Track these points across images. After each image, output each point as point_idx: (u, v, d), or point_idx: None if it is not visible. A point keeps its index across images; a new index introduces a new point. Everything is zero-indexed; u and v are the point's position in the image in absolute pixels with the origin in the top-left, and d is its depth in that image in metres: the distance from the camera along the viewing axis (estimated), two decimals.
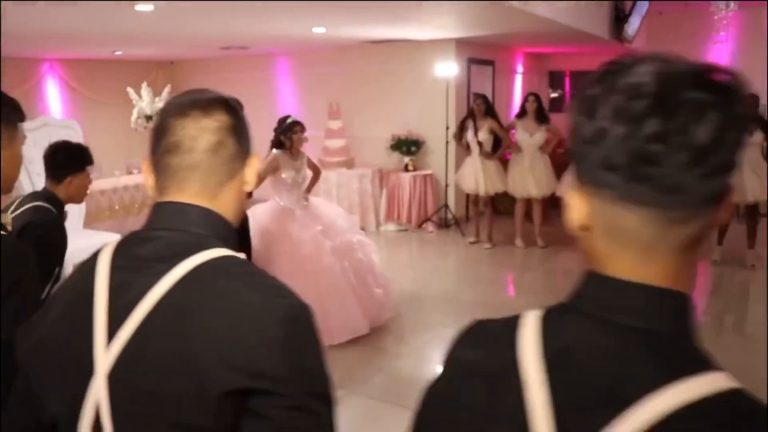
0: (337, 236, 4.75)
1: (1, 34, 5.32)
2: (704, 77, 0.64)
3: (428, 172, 8.27)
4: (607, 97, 0.65)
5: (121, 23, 5.86)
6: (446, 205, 8.20)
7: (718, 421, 0.62)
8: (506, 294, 6.15)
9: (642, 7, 8.14)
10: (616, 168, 0.65)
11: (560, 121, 6.71)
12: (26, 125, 6.09)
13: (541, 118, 6.93)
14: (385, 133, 8.33)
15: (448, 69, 7.71)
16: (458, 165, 7.55)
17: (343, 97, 8.71)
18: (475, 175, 6.98)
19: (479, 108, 7.02)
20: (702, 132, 0.62)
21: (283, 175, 4.75)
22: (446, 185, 8.20)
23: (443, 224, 8.22)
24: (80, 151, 2.69)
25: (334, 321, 4.35)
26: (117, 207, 7.47)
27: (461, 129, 7.15)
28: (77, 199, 2.67)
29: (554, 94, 11.11)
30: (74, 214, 6.34)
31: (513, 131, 7.19)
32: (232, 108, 1.04)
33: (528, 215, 7.30)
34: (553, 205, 7.74)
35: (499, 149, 7.00)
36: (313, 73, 9.27)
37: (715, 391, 0.63)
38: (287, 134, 4.73)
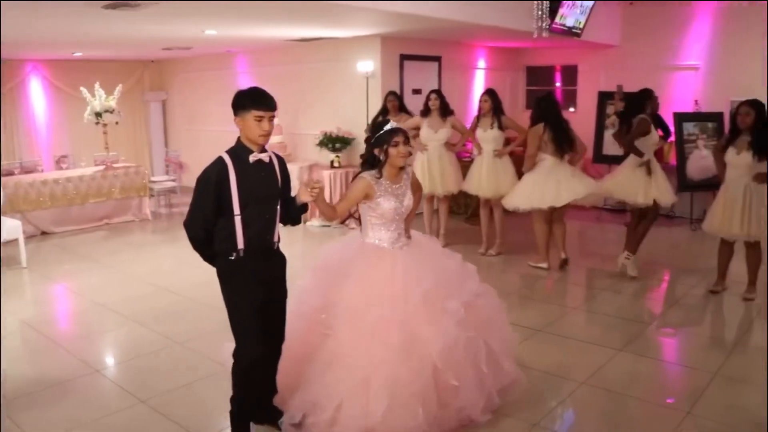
0: (454, 294, 3.14)
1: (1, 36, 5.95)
2: None
3: (352, 168, 8.31)
4: None
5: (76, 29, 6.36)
6: None
7: None
8: None
9: None
10: None
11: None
12: None
13: (444, 114, 6.88)
14: (317, 130, 8.46)
15: (366, 66, 7.75)
16: None
17: (282, 94, 8.92)
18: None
19: (392, 104, 7.13)
20: None
21: (383, 205, 3.18)
22: None
23: None
24: None
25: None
26: (59, 196, 8.12)
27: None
28: None
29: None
30: None
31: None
32: None
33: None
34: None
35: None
36: (269, 71, 9.55)
37: None
38: (382, 147, 3.17)
